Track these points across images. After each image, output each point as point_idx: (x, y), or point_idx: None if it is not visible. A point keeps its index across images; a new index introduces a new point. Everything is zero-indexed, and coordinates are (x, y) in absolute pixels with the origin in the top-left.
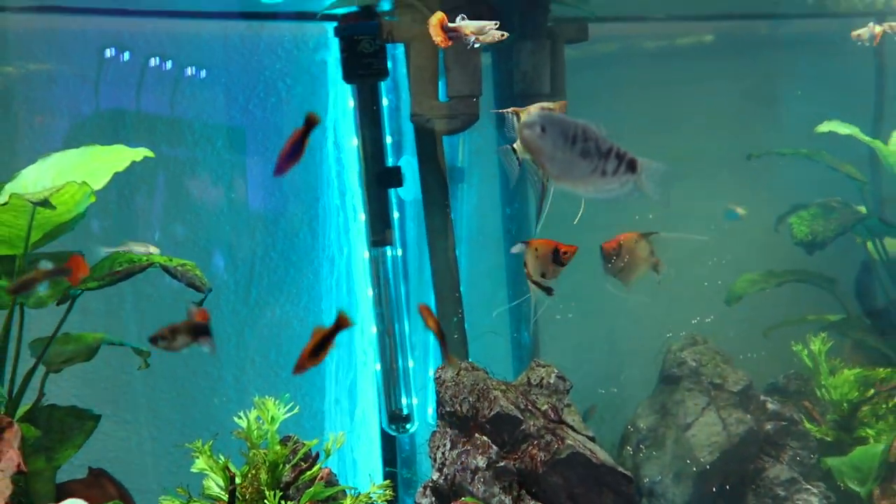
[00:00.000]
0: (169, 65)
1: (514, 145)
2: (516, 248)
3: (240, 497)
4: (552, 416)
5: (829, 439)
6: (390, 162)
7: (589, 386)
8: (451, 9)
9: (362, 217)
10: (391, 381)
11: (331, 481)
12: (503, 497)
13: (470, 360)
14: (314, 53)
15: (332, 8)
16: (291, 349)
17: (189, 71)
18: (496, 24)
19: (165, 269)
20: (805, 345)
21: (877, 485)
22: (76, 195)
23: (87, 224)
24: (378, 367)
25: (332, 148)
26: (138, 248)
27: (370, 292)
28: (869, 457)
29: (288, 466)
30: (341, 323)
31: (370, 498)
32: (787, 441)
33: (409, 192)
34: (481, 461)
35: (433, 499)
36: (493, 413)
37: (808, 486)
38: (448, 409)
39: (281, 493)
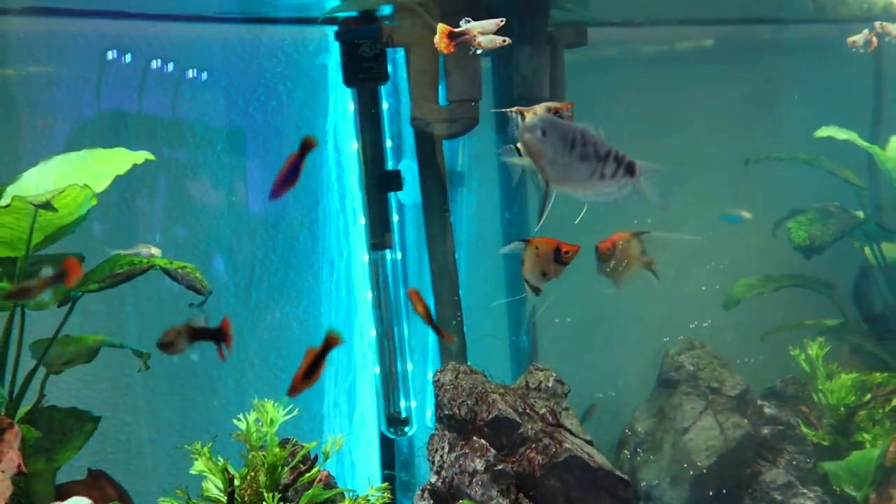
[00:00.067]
0: (170, 68)
1: (518, 145)
2: (508, 248)
3: (238, 499)
4: (550, 419)
5: (825, 444)
6: (390, 165)
7: (587, 390)
8: (449, 13)
9: (362, 220)
10: (390, 385)
11: (329, 484)
12: (501, 500)
13: (469, 363)
14: (314, 57)
15: (333, 12)
16: (291, 352)
17: (190, 74)
18: (502, 20)
19: (166, 272)
20: (802, 349)
21: (873, 489)
22: (78, 198)
23: (88, 226)
24: (377, 370)
25: (332, 151)
26: (144, 251)
27: (369, 295)
28: (865, 461)
29: (287, 469)
30: (331, 342)
31: (368, 500)
32: (783, 445)
33: (408, 195)
34: (479, 464)
35: (431, 501)
36: (491, 416)
37: (805, 491)
38: (446, 412)
39: (280, 496)
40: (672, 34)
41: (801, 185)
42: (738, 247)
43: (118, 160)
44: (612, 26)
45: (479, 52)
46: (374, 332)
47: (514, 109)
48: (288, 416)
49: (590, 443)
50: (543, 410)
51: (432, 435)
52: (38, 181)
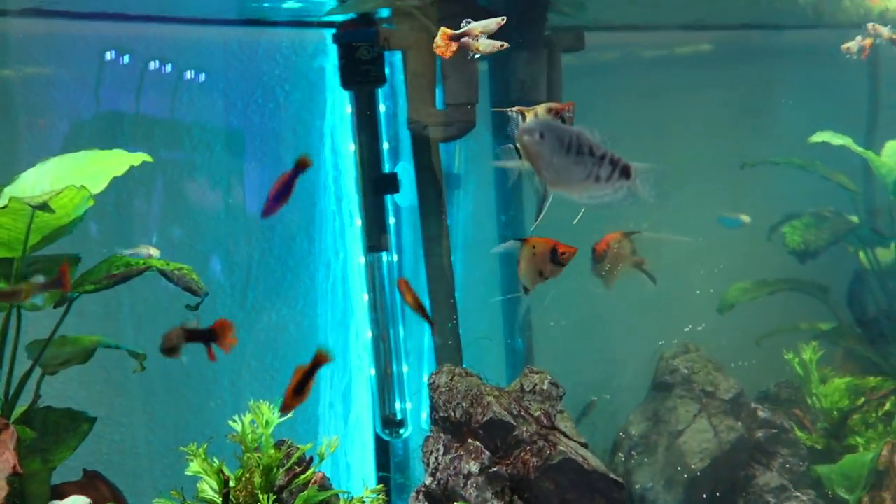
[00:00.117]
0: (168, 70)
1: (517, 144)
2: (503, 247)
3: (234, 500)
4: (545, 422)
5: (819, 447)
6: (387, 168)
7: (582, 393)
8: (447, 17)
9: (358, 222)
10: (385, 386)
11: (324, 485)
12: (495, 502)
13: (464, 365)
14: (312, 60)
15: (331, 14)
16: (287, 353)
17: (188, 76)
18: (503, 18)
19: (162, 273)
20: (797, 353)
21: (866, 493)
22: (75, 199)
23: (85, 227)
24: (372, 371)
25: (329, 154)
26: (144, 252)
27: (365, 297)
28: (858, 465)
29: (282, 470)
30: (319, 360)
31: (363, 502)
32: (777, 449)
33: (405, 198)
34: (474, 466)
35: (426, 503)
36: (486, 419)
37: (798, 494)
38: (442, 414)
39: (275, 497)
40: (669, 39)
41: (796, 189)
42: (732, 251)
43: (116, 162)
44: (610, 30)
45: (476, 55)
46: (369, 334)
47: (514, 109)
48: (283, 418)
49: (584, 445)
50: (538, 413)
51: (427, 437)
52: (35, 182)
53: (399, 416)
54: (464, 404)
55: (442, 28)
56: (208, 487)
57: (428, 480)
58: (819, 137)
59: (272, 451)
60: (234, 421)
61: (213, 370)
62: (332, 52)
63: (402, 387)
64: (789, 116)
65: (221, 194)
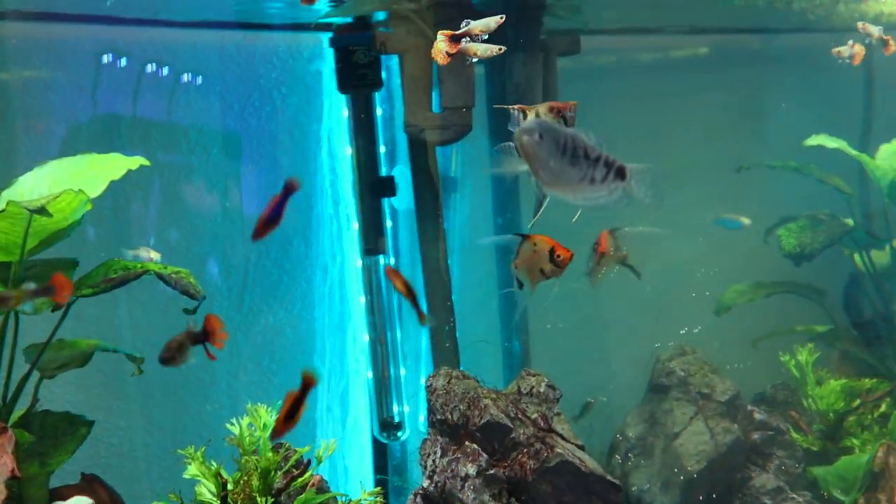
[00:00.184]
0: (165, 73)
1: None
2: (501, 238)
3: (231, 503)
4: (542, 424)
5: (815, 449)
6: (384, 171)
7: (579, 395)
8: (443, 21)
9: (355, 226)
10: (383, 389)
11: (322, 488)
12: None
13: (461, 368)
14: (309, 63)
15: (327, 17)
16: (284, 356)
17: (185, 79)
18: (502, 17)
19: (160, 277)
20: (792, 355)
21: (861, 494)
22: (73, 203)
23: (82, 231)
24: (370, 374)
25: (326, 157)
26: (144, 255)
27: (363, 300)
28: (854, 466)
29: (279, 473)
30: (307, 383)
31: None
32: (773, 450)
33: (402, 201)
34: (471, 469)
35: None
36: (483, 421)
37: (794, 496)
38: (439, 416)
39: (272, 500)
40: (665, 42)
41: (792, 192)
42: (729, 253)
43: (113, 165)
44: (605, 34)
45: (474, 60)
46: (367, 337)
47: (516, 107)
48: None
49: (581, 448)
50: (535, 415)
51: (425, 440)
52: (33, 186)
53: (397, 419)
54: (461, 407)
55: (441, 32)
56: (206, 490)
57: (425, 483)
58: (814, 141)
59: (270, 454)
60: (232, 424)
61: (211, 373)
62: (329, 55)
63: (399, 390)
64: (786, 120)
65: (218, 197)
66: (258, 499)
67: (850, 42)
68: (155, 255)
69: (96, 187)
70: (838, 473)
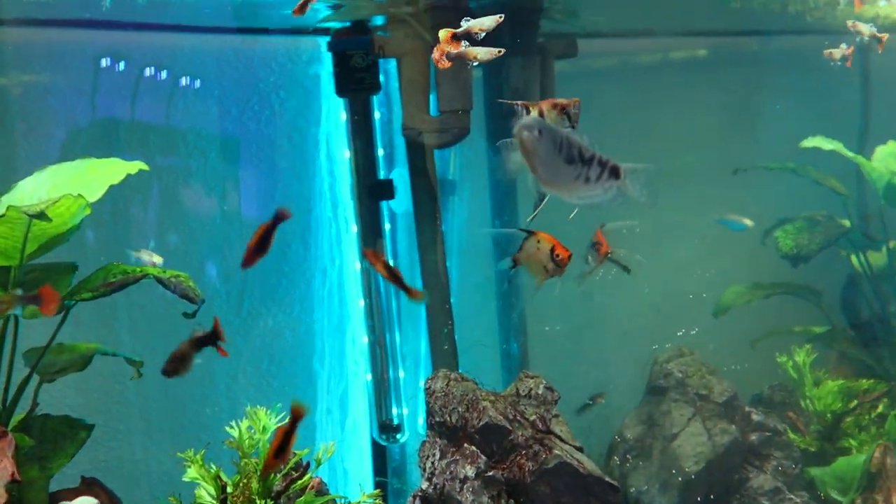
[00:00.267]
0: (163, 77)
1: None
2: (506, 230)
3: None
4: (540, 426)
5: (812, 450)
6: (382, 174)
7: (577, 397)
8: (441, 24)
9: (354, 229)
10: (382, 392)
11: (321, 490)
12: None
13: (460, 370)
14: (307, 67)
15: (325, 21)
16: (283, 359)
17: (183, 83)
18: (501, 16)
19: (159, 281)
20: (790, 356)
21: (858, 495)
22: (72, 207)
23: (81, 235)
24: (369, 377)
25: (324, 160)
26: (146, 258)
27: (361, 303)
28: (851, 467)
29: (279, 476)
30: (296, 415)
31: None
32: (771, 451)
33: (400, 204)
34: (470, 471)
35: None
36: (482, 423)
37: (792, 496)
38: (438, 419)
39: (272, 502)
40: (662, 45)
41: (789, 193)
42: (726, 255)
43: (112, 170)
44: (602, 37)
45: (474, 63)
46: (366, 340)
47: (519, 103)
48: (280, 424)
49: (580, 449)
50: (533, 417)
51: (423, 442)
52: (32, 191)
53: (396, 422)
54: (460, 409)
55: (442, 30)
56: (206, 493)
57: (424, 485)
58: (810, 143)
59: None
60: (231, 427)
61: (210, 376)
62: (327, 59)
63: (398, 392)
64: (783, 121)
65: (217, 201)
66: (257, 501)
67: (843, 45)
68: (157, 259)
69: (95, 192)
70: (836, 474)
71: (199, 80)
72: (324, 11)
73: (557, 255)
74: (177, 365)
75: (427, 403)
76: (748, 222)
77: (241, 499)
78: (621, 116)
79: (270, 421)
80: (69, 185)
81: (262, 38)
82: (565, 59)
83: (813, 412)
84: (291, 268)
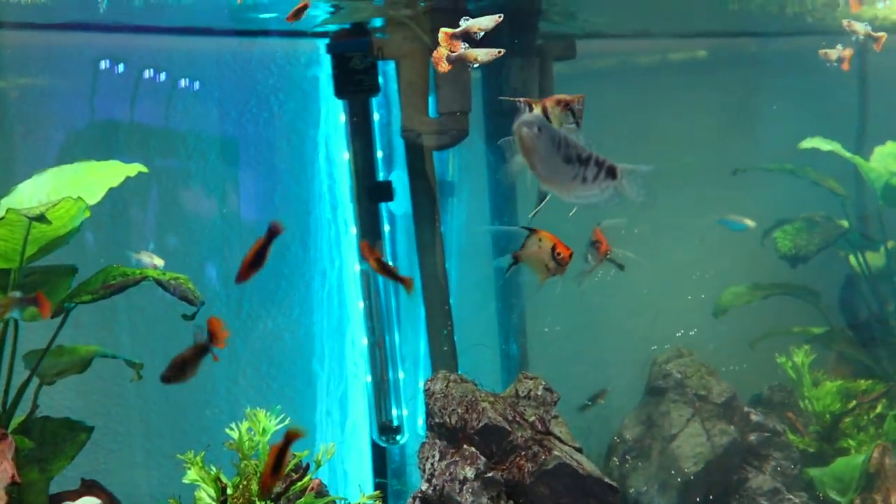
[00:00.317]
0: (162, 80)
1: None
2: (508, 228)
3: None
4: (540, 427)
5: (811, 450)
6: (381, 176)
7: (576, 398)
8: (439, 26)
9: (353, 230)
10: (382, 393)
11: (321, 492)
12: None
13: (459, 371)
14: (306, 69)
15: (324, 24)
16: (283, 361)
17: (182, 86)
18: (500, 16)
19: (159, 283)
20: (789, 357)
21: (857, 495)
22: (71, 210)
23: (81, 237)
24: (369, 378)
25: (323, 162)
26: (147, 260)
27: (361, 305)
28: (850, 467)
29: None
30: (290, 437)
31: None
32: (770, 452)
33: (399, 206)
34: (469, 472)
35: None
36: (481, 424)
37: (791, 497)
38: (437, 420)
39: None
40: (661, 46)
41: (788, 194)
42: (725, 256)
43: (112, 173)
44: (601, 38)
45: (475, 65)
46: (365, 341)
47: (522, 99)
48: (280, 426)
49: (579, 450)
50: (533, 418)
51: (423, 443)
52: (32, 193)
53: (395, 423)
54: (459, 410)
55: (442, 29)
56: (206, 495)
57: (424, 486)
58: (809, 143)
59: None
60: (231, 429)
61: (210, 379)
62: (326, 61)
63: (398, 393)
64: (782, 122)
65: (216, 203)
66: (257, 503)
67: (839, 46)
68: (158, 262)
69: (95, 194)
70: (834, 474)
71: (197, 83)
72: (323, 14)
73: (559, 254)
74: (176, 372)
75: (426, 405)
76: (749, 223)
77: (241, 500)
78: (620, 117)
79: (270, 423)
80: (69, 188)
81: (260, 41)
82: (564, 61)
83: (812, 413)
84: (291, 270)
